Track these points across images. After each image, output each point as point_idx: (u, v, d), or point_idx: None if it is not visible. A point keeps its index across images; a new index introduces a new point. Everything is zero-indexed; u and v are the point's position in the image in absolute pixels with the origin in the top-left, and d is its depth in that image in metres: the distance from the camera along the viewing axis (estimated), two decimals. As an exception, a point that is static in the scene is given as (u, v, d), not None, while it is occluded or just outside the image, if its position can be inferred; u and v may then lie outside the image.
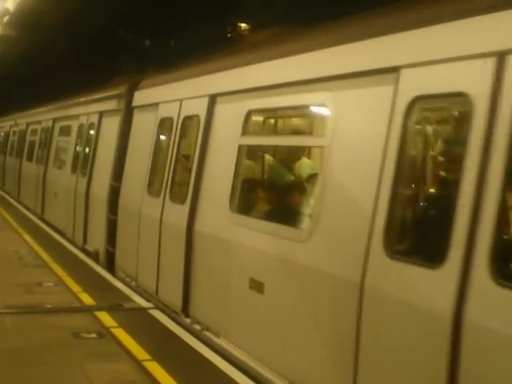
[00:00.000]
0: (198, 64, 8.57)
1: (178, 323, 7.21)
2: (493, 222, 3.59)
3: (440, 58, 4.10)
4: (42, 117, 18.56)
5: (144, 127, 9.63)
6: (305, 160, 7.78)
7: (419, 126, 4.63)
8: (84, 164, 12.80)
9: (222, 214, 6.71)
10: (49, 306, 7.74)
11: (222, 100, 7.34)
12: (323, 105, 5.46)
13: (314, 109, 6.21)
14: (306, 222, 5.70)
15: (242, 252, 6.31)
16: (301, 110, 6.77)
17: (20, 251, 11.25)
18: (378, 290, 4.38)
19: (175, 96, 8.60)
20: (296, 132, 7.19)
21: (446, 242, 3.83)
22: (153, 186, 8.87)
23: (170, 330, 6.97)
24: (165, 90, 9.22)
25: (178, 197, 7.93)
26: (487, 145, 3.69)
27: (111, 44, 32.22)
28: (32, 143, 19.53)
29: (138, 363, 5.89)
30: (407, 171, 4.53)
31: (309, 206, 5.90)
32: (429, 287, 3.96)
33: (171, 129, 8.48)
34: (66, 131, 15.28)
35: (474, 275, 3.65)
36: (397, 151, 4.35)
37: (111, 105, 11.41)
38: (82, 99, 14.16)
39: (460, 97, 3.96)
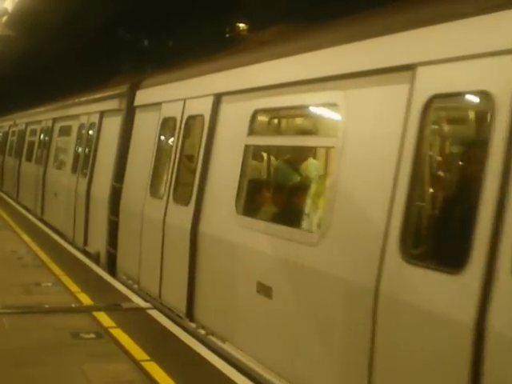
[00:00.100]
0: (202, 63, 8.42)
1: (178, 324, 7.11)
2: None
3: (459, 55, 3.96)
4: (42, 117, 18.44)
5: (146, 127, 9.48)
6: (313, 161, 7.62)
7: (437, 126, 4.48)
8: (85, 164, 12.66)
9: (228, 215, 6.56)
10: (47, 306, 7.68)
11: (227, 99, 7.20)
12: (334, 104, 5.32)
13: (324, 108, 6.06)
14: (316, 225, 5.56)
15: (249, 255, 6.16)
16: (310, 110, 6.61)
17: (18, 251, 11.14)
18: (393, 295, 4.23)
19: (178, 95, 8.46)
20: (305, 132, 7.03)
21: (467, 245, 3.68)
22: (155, 187, 8.72)
23: (168, 330, 6.93)
24: (168, 89, 9.07)
25: (181, 198, 7.78)
26: (511, 145, 3.56)
27: (110, 44, 32.15)
28: (31, 143, 19.42)
29: (137, 363, 5.86)
30: (425, 171, 4.39)
31: (319, 208, 5.75)
32: (449, 293, 3.80)
33: (174, 129, 8.34)
34: (66, 131, 15.15)
35: (498, 281, 3.50)
36: (413, 151, 4.20)
37: (112, 104, 11.27)
38: (83, 99, 14.02)
39: (482, 95, 3.81)
